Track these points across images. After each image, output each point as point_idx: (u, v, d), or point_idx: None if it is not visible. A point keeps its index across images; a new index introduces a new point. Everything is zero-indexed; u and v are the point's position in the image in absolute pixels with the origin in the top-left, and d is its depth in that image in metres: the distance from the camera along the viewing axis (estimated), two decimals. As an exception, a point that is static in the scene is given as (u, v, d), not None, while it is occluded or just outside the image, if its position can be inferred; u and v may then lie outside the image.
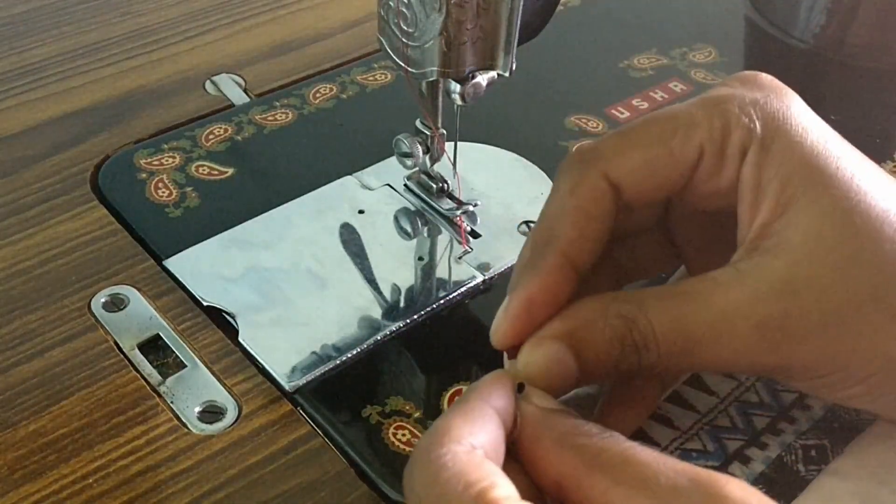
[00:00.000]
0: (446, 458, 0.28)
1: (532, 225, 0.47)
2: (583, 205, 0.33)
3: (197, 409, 0.39)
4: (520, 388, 0.31)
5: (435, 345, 0.43)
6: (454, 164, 0.46)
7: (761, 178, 0.33)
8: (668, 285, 0.34)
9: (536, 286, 0.33)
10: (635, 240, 0.38)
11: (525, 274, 0.33)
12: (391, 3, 0.40)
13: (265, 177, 0.50)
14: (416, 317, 0.43)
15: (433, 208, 0.48)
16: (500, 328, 0.33)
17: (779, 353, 0.32)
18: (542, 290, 0.33)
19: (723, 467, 0.37)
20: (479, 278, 0.45)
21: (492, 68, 0.41)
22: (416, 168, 0.47)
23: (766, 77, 0.35)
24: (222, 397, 0.40)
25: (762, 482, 0.36)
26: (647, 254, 0.39)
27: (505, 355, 0.34)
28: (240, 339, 0.42)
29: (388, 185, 0.49)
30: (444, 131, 0.45)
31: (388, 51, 0.42)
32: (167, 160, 0.51)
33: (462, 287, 0.44)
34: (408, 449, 0.38)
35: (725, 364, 0.33)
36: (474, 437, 0.29)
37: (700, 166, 0.34)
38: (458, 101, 0.42)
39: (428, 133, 0.45)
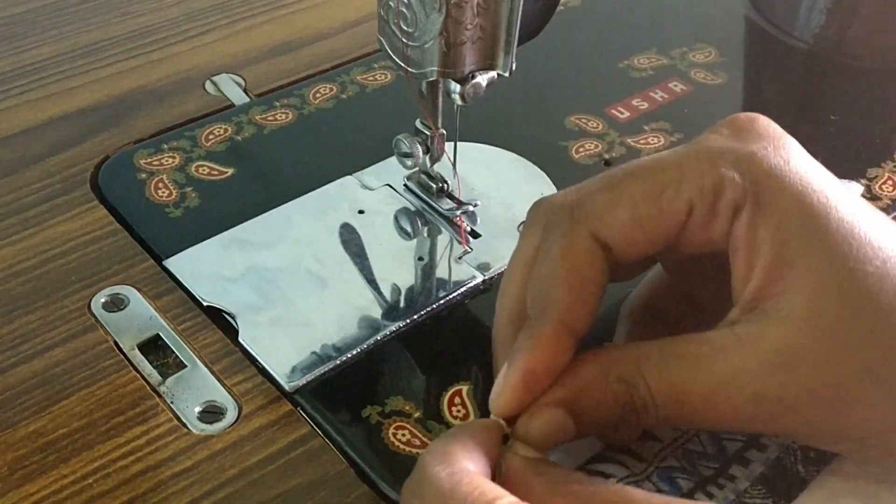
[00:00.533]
0: (461, 475, 0.28)
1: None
2: (576, 268, 0.33)
3: (197, 409, 0.39)
4: (504, 438, 0.32)
5: (435, 345, 0.43)
6: (454, 164, 0.46)
7: (756, 237, 0.32)
8: (667, 343, 0.33)
9: (536, 358, 0.32)
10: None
11: (523, 345, 0.33)
12: (391, 3, 0.40)
13: (265, 177, 0.50)
14: (416, 317, 0.43)
15: (433, 208, 0.48)
16: (501, 399, 0.33)
17: (773, 423, 0.32)
18: (542, 361, 0.32)
19: (723, 469, 0.37)
20: (479, 278, 0.45)
21: (492, 68, 0.41)
22: (416, 168, 0.47)
23: (763, 123, 0.34)
24: (222, 397, 0.40)
25: (762, 483, 0.36)
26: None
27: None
28: (240, 339, 0.42)
29: (388, 185, 0.49)
30: (444, 131, 0.45)
31: (388, 51, 0.42)
32: (167, 160, 0.51)
33: (462, 287, 0.44)
34: (408, 449, 0.38)
35: (721, 426, 0.34)
36: (473, 465, 0.29)
37: (690, 221, 0.33)
38: (458, 101, 0.42)
39: (428, 133, 0.45)
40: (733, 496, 0.36)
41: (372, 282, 0.44)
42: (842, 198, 0.33)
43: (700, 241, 0.34)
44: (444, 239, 0.47)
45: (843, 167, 0.52)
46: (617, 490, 0.29)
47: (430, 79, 0.41)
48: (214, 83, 0.57)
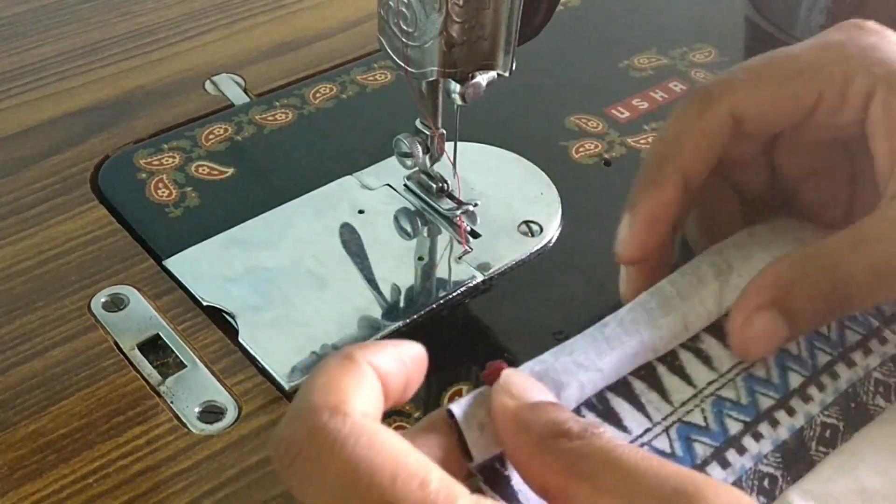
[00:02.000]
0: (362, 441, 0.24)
1: (532, 224, 0.48)
2: (707, 129, 0.35)
3: (197, 409, 0.39)
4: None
5: (435, 345, 0.42)
6: (454, 164, 0.46)
7: (894, 117, 0.33)
8: (849, 229, 0.34)
9: (657, 201, 0.34)
10: (738, 165, 0.39)
11: (645, 189, 0.35)
12: (391, 3, 0.40)
13: (265, 177, 0.50)
14: (416, 317, 0.43)
15: (433, 208, 0.48)
16: (627, 244, 0.35)
17: None
18: (662, 204, 0.34)
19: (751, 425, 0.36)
20: (479, 278, 0.45)
21: (492, 68, 0.41)
22: (416, 168, 0.47)
23: (872, 23, 0.36)
24: (222, 397, 0.40)
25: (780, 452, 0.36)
26: (746, 178, 0.39)
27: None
28: (240, 339, 0.42)
29: (388, 185, 0.49)
30: (444, 131, 0.45)
31: (388, 51, 0.42)
32: (167, 160, 0.51)
33: (462, 287, 0.44)
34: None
35: None
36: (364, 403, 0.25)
37: (820, 105, 0.35)
38: (458, 101, 0.42)
39: (428, 133, 0.45)
40: (751, 464, 0.35)
41: (372, 282, 0.44)
42: None
43: (826, 124, 0.35)
44: (444, 239, 0.47)
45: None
46: (609, 451, 0.26)
47: (430, 79, 0.41)
48: (214, 83, 0.57)
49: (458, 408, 0.30)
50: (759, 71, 0.36)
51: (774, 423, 0.36)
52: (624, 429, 0.33)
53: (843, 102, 0.34)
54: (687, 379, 0.36)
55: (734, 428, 0.35)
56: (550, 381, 0.33)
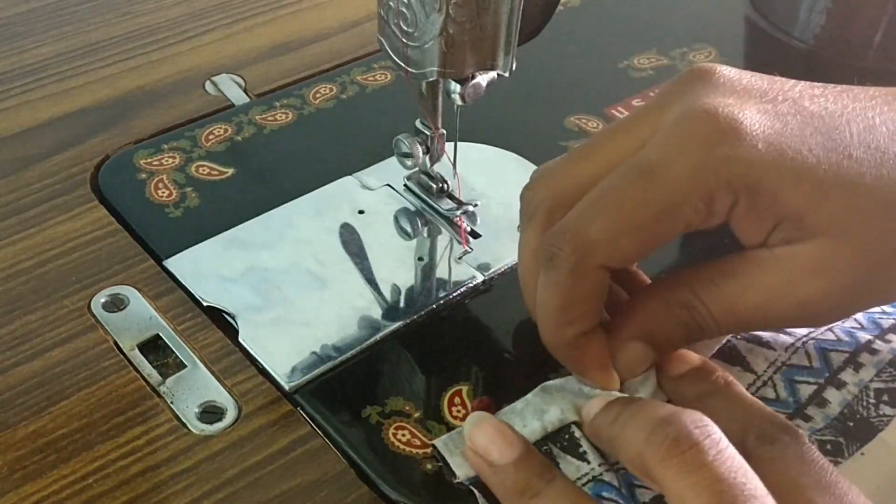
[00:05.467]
0: None
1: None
2: (587, 304, 0.36)
3: (197, 410, 0.39)
4: None
5: (435, 345, 0.43)
6: (454, 164, 0.46)
7: (759, 218, 0.35)
8: (714, 265, 0.36)
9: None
10: None
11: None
12: (391, 3, 0.40)
13: (265, 177, 0.50)
14: (416, 317, 0.43)
15: (433, 208, 0.48)
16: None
17: (822, 319, 0.37)
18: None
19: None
20: (479, 278, 0.45)
21: (492, 68, 0.41)
22: (416, 168, 0.47)
23: (718, 75, 0.37)
24: (222, 397, 0.40)
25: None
26: None
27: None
28: (240, 340, 0.42)
29: (388, 185, 0.49)
30: (444, 131, 0.45)
31: (388, 51, 0.42)
32: (167, 160, 0.51)
33: (462, 287, 0.44)
34: (408, 449, 0.38)
35: (777, 326, 0.39)
36: None
37: (687, 227, 0.35)
38: (458, 101, 0.42)
39: (428, 133, 0.45)
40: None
41: (372, 282, 0.44)
42: (782, 90, 0.36)
43: (697, 228, 0.36)
44: (444, 239, 0.47)
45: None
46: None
47: (430, 79, 0.41)
48: (214, 83, 0.57)
49: (440, 441, 0.37)
50: (619, 220, 0.35)
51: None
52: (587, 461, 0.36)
53: (708, 219, 0.35)
54: None
55: None
56: (532, 411, 0.37)
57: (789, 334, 0.40)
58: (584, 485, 0.35)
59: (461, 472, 0.36)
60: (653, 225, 0.35)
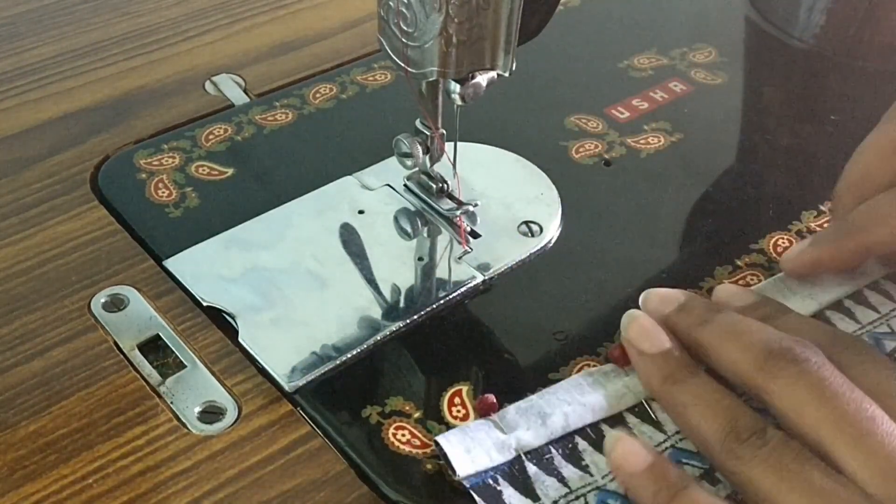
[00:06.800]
0: None
1: (532, 225, 0.47)
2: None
3: (197, 410, 0.39)
4: None
5: (435, 345, 0.43)
6: (454, 164, 0.46)
7: None
8: None
9: (832, 259, 0.43)
10: None
11: (829, 240, 0.43)
12: (391, 3, 0.40)
13: (265, 177, 0.50)
14: (416, 317, 0.43)
15: (433, 208, 0.48)
16: (791, 262, 0.44)
17: None
18: (834, 263, 0.43)
19: None
20: (479, 278, 0.45)
21: (492, 68, 0.41)
22: (416, 168, 0.47)
23: None
24: (222, 397, 0.40)
25: None
26: None
27: None
28: (240, 340, 0.42)
29: (388, 185, 0.49)
30: (444, 131, 0.45)
31: (388, 51, 0.42)
32: (167, 160, 0.51)
33: (462, 287, 0.44)
34: (408, 449, 0.38)
35: None
36: None
37: None
38: (458, 102, 0.42)
39: (428, 133, 0.45)
40: None
41: (372, 282, 0.44)
42: None
43: None
44: (444, 239, 0.47)
45: (843, 167, 0.52)
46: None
47: (430, 79, 0.41)
48: (214, 83, 0.57)
49: (443, 437, 0.37)
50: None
51: None
52: None
53: None
54: None
55: None
56: (535, 413, 0.38)
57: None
58: (664, 451, 0.37)
59: (462, 469, 0.36)
60: None
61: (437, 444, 0.37)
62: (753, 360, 0.36)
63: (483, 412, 0.38)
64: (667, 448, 0.37)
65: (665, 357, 0.38)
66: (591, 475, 0.36)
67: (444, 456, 0.36)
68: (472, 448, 0.36)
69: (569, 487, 0.36)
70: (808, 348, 0.35)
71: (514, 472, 0.36)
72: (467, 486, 0.35)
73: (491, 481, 0.36)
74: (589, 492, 0.35)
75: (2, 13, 0.62)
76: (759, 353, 0.36)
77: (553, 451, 0.37)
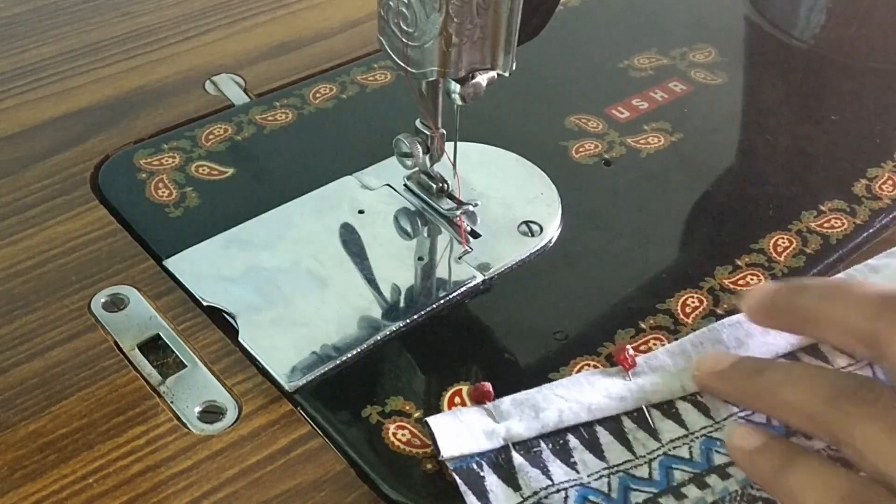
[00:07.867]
0: None
1: (532, 225, 0.47)
2: None
3: (197, 409, 0.39)
4: None
5: (435, 345, 0.43)
6: (454, 164, 0.46)
7: None
8: None
9: None
10: None
11: None
12: (391, 3, 0.40)
13: (265, 177, 0.50)
14: (416, 317, 0.43)
15: (433, 208, 0.48)
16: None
17: None
18: None
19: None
20: (479, 278, 0.45)
21: (492, 68, 0.41)
22: (416, 168, 0.47)
23: None
24: (222, 397, 0.40)
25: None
26: None
27: None
28: (240, 339, 0.42)
29: (388, 185, 0.49)
30: (444, 131, 0.45)
31: (388, 51, 0.42)
32: (167, 160, 0.51)
33: (462, 287, 0.44)
34: (408, 449, 0.38)
35: None
36: None
37: None
38: (458, 101, 0.42)
39: (428, 133, 0.45)
40: (735, 486, 0.36)
41: (372, 282, 0.44)
42: None
43: None
44: (444, 239, 0.47)
45: (843, 167, 0.52)
46: None
47: (430, 79, 0.41)
48: (214, 83, 0.57)
49: (433, 419, 0.37)
50: None
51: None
52: (603, 458, 0.37)
53: None
54: (681, 423, 0.39)
55: (719, 460, 0.37)
56: (530, 406, 0.38)
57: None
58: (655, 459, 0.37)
59: (446, 451, 0.36)
60: None
61: (426, 424, 0.37)
62: (872, 317, 0.35)
63: (478, 400, 0.38)
64: (659, 456, 0.37)
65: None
66: (577, 472, 0.36)
67: (432, 436, 0.36)
68: (460, 432, 0.36)
69: (551, 480, 0.36)
70: None
71: (499, 460, 0.36)
72: (450, 467, 0.36)
73: (475, 466, 0.36)
74: (571, 487, 0.35)
75: (1, 13, 0.62)
76: (879, 306, 0.35)
77: (543, 444, 0.37)
